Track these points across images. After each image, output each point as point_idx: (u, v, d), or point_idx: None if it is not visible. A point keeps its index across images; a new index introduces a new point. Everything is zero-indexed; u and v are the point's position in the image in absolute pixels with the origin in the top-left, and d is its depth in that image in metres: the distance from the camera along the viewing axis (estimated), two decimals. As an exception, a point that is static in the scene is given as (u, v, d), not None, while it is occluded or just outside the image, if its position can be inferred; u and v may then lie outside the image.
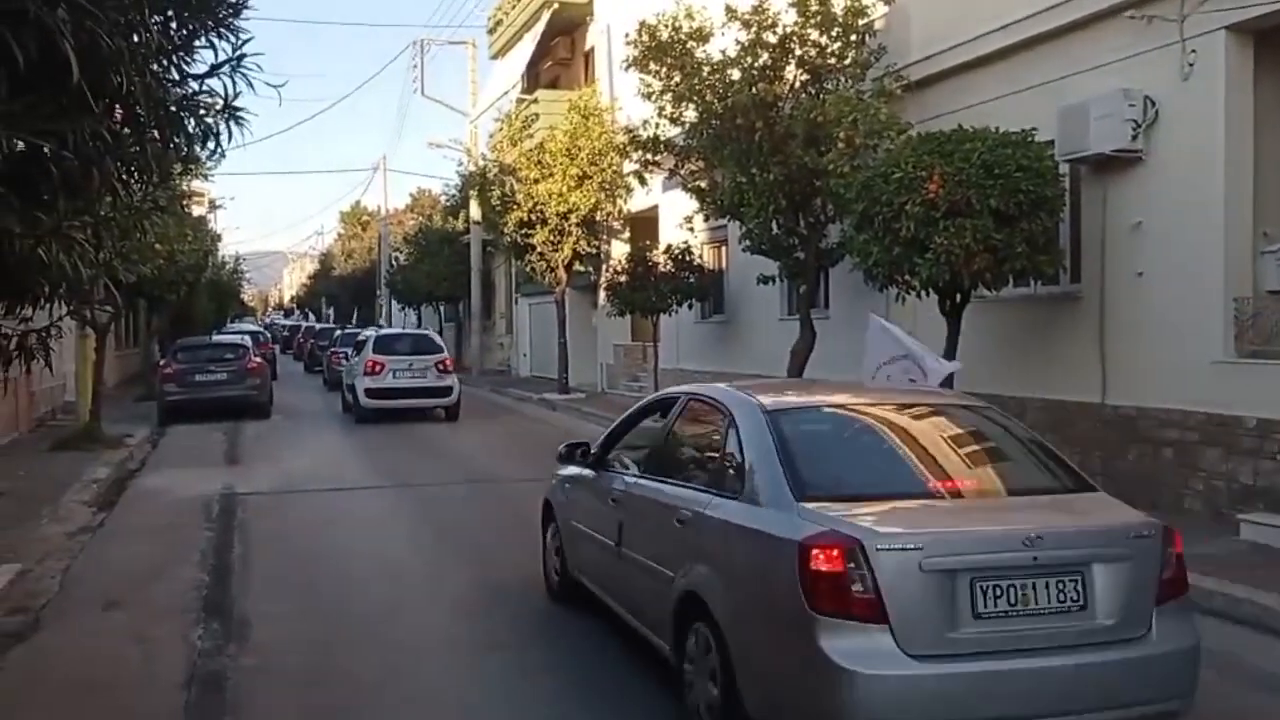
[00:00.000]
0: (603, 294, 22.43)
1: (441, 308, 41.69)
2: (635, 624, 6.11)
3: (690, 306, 19.50)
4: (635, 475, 6.33)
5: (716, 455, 5.54)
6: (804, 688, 4.34)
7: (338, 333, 35.42)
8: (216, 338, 27.63)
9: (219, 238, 36.34)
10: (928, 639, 4.22)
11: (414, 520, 11.03)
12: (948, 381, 8.99)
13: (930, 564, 4.26)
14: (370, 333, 25.22)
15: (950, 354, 10.76)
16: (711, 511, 5.11)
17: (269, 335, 44.29)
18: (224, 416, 20.32)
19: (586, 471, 7.01)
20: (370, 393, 20.50)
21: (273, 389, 23.45)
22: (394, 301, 47.05)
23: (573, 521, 7.21)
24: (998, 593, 4.31)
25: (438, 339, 23.30)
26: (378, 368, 20.65)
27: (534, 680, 6.06)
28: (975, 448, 5.48)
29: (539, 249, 23.71)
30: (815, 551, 4.28)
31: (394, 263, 45.11)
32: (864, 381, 8.99)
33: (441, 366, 21.09)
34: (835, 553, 4.25)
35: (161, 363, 22.66)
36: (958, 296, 10.55)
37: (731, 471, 5.20)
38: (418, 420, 20.34)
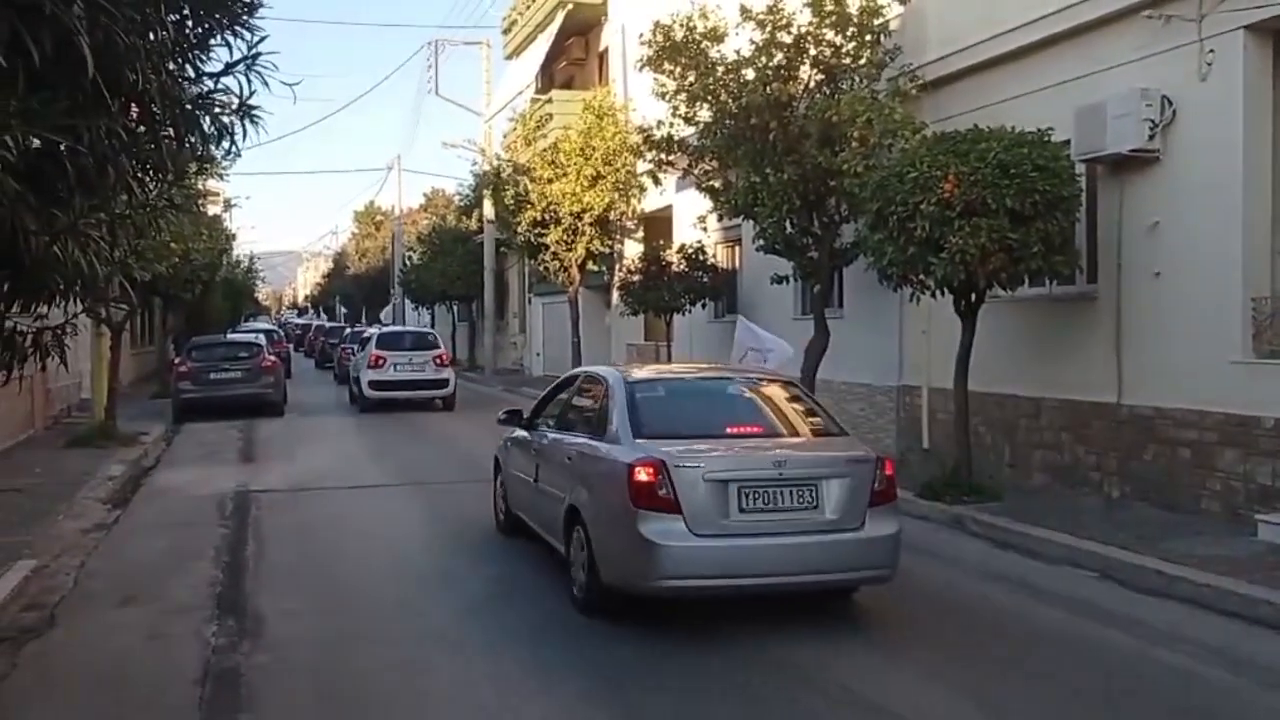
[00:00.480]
0: (616, 293, 22.43)
1: (455, 307, 41.73)
2: (545, 536, 8.28)
3: (704, 306, 19.46)
4: (549, 431, 8.53)
5: (594, 412, 7.77)
6: (632, 558, 6.61)
7: (347, 331, 37.29)
8: (231, 336, 27.71)
9: (234, 236, 36.44)
10: (708, 524, 6.50)
11: (425, 518, 11.04)
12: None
13: (709, 476, 6.56)
14: (374, 330, 26.90)
15: (965, 354, 10.74)
16: (586, 449, 7.46)
17: (283, 334, 44.48)
18: (238, 414, 20.39)
19: (522, 432, 9.20)
20: (373, 385, 21.98)
21: (287, 387, 23.52)
22: (408, 300, 47.13)
23: (511, 470, 9.42)
24: (755, 496, 6.60)
25: (435, 335, 24.75)
26: (380, 362, 22.14)
27: (548, 677, 6.06)
28: (769, 406, 7.81)
29: (552, 248, 23.70)
30: (637, 468, 6.59)
31: (408, 262, 45.19)
32: (731, 363, 12.57)
33: (439, 361, 22.40)
34: (650, 469, 6.56)
35: (176, 361, 22.75)
36: (973, 296, 10.50)
37: (601, 422, 7.43)
38: (425, 416, 20.42)
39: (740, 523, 6.54)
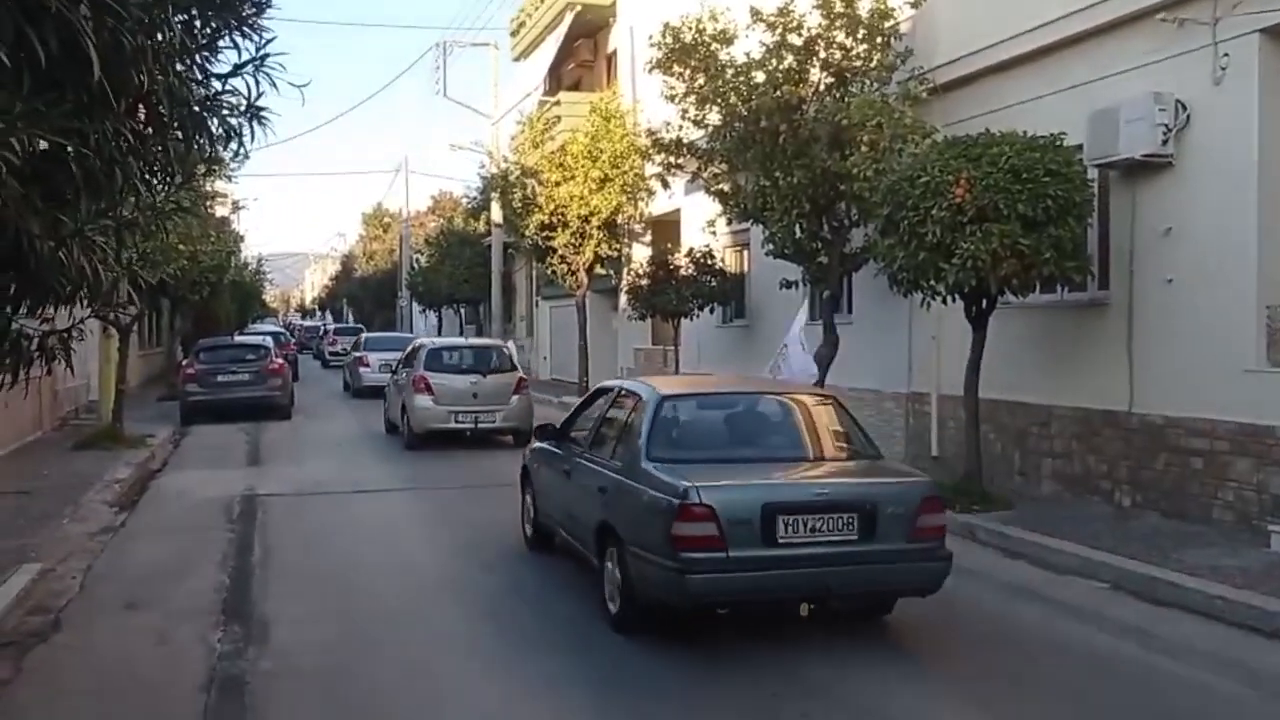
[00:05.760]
0: (624, 297, 22.38)
1: (462, 310, 41.72)
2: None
3: (712, 310, 19.38)
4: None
5: None
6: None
7: (322, 329, 57.86)
8: (238, 338, 27.72)
9: (241, 238, 36.53)
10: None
11: (429, 521, 11.01)
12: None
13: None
14: (331, 325, 57.75)
15: (976, 361, 10.67)
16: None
17: (290, 336, 44.61)
18: (246, 417, 20.38)
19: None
20: (330, 354, 40.97)
21: (294, 390, 23.48)
22: (415, 303, 47.18)
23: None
24: None
25: (363, 328, 44.70)
26: (334, 341, 42.73)
27: (554, 685, 6.00)
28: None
29: (560, 252, 23.66)
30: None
31: (415, 264, 45.22)
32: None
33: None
34: None
35: (184, 363, 22.75)
36: (984, 302, 10.44)
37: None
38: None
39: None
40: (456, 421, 16.41)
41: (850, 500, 6.45)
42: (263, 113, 5.07)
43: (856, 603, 6.94)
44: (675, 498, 6.25)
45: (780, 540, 6.24)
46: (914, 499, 6.62)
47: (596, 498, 7.33)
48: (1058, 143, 9.89)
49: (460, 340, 21.84)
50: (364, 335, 32.11)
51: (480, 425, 16.43)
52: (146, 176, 5.00)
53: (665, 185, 18.48)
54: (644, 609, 6.68)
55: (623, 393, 8.06)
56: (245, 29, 4.86)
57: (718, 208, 15.16)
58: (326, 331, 50.31)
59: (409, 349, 19.21)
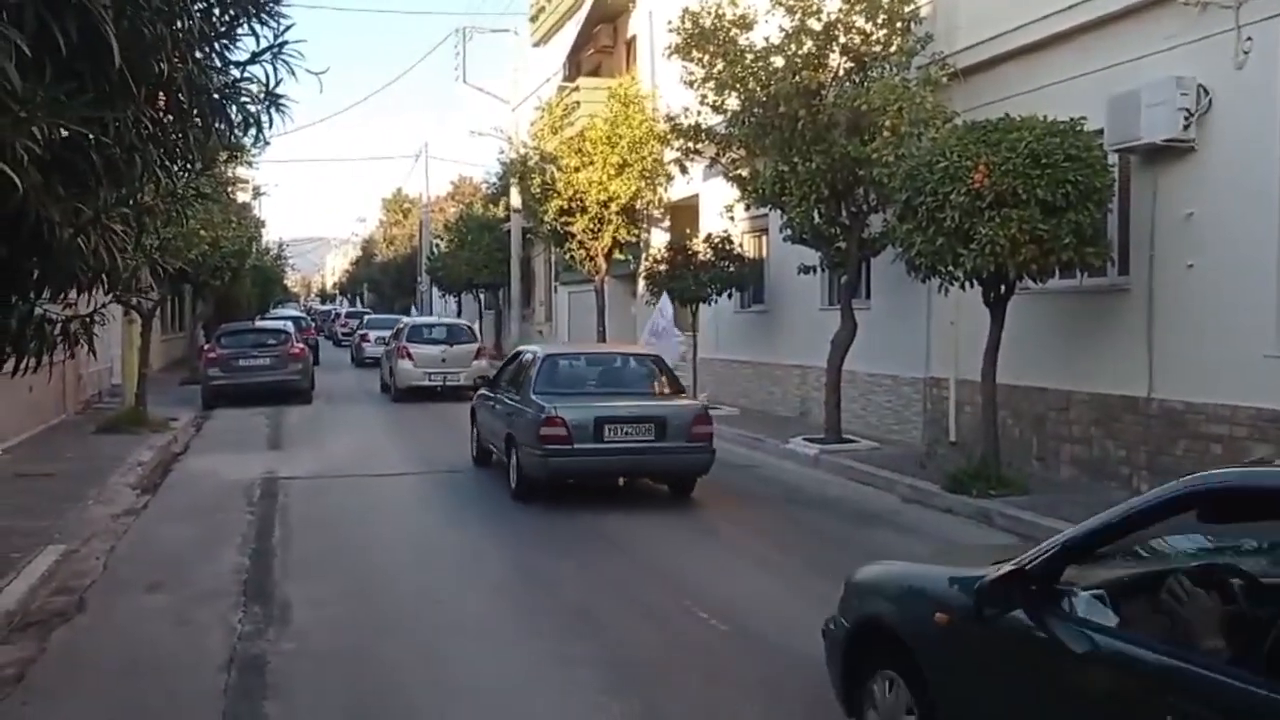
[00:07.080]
0: (642, 283, 22.37)
1: (481, 295, 41.78)
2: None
3: (730, 296, 19.33)
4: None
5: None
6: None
7: (340, 313, 62.95)
8: (259, 323, 27.88)
9: (263, 224, 36.65)
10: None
11: (449, 504, 11.10)
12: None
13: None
14: (344, 310, 62.23)
15: (994, 346, 10.65)
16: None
17: (311, 321, 44.92)
18: (267, 401, 20.54)
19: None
20: (343, 335, 45.25)
21: (315, 374, 23.65)
22: (435, 288, 47.30)
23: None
24: None
25: (370, 311, 53.62)
26: (346, 324, 47.78)
27: (570, 667, 6.06)
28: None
29: (579, 237, 23.66)
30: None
31: (435, 250, 45.31)
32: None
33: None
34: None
35: (206, 347, 22.92)
36: (1002, 288, 10.40)
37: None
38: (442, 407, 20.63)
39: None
40: (430, 380, 21.92)
41: (649, 416, 10.51)
42: (281, 100, 5.11)
43: (660, 481, 11.30)
44: (543, 414, 10.26)
45: (606, 439, 10.25)
46: (690, 416, 10.65)
47: (506, 419, 11.32)
48: (1078, 127, 9.82)
49: (434, 319, 29.00)
50: (366, 317, 42.76)
51: (448, 383, 21.77)
52: (166, 163, 5.05)
53: (684, 170, 18.46)
54: (528, 485, 10.67)
55: (528, 353, 12.17)
56: (263, 16, 4.90)
57: (736, 193, 15.14)
58: (338, 315, 57.60)
59: (396, 327, 25.62)
